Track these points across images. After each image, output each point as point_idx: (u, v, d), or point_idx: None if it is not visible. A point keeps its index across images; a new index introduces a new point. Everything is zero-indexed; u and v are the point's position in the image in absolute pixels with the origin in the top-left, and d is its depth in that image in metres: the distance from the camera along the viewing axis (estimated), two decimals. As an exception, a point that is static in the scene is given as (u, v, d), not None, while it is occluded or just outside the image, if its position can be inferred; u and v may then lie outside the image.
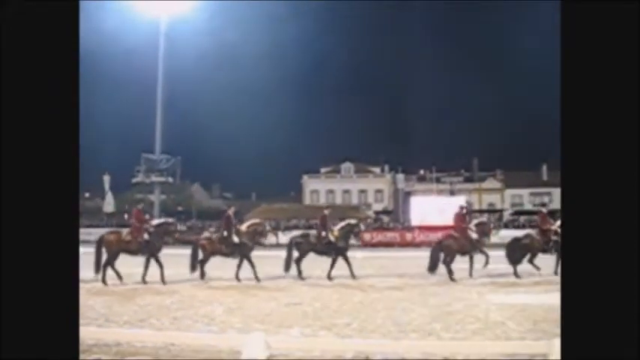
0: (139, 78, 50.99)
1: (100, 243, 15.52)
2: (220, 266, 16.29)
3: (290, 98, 78.06)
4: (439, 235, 18.88)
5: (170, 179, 50.99)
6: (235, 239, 16.09)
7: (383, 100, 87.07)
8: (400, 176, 64.08)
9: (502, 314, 9.90)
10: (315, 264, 16.78)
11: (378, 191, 68.09)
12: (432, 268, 16.08)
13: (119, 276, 15.15)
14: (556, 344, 5.75)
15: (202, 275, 15.85)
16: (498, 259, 17.03)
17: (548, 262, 16.83)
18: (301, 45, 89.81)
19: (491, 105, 79.43)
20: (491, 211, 59.60)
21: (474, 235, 16.58)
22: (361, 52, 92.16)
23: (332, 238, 16.57)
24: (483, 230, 17.00)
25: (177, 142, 53.27)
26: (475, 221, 17.81)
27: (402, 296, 12.43)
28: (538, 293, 12.80)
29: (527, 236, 17.59)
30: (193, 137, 64.45)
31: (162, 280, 15.00)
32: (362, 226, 18.11)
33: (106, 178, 53.81)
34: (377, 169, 69.50)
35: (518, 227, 42.09)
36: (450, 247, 16.36)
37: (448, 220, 18.07)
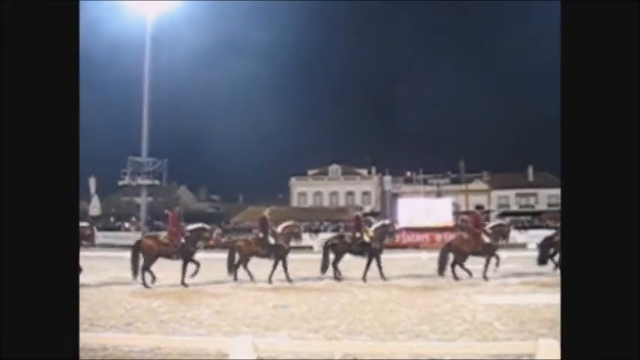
0: (125, 79, 50.69)
1: (137, 247, 15.71)
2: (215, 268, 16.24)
3: (277, 100, 77.96)
4: (426, 236, 18.98)
5: (157, 182, 50.73)
6: (271, 241, 16.30)
7: (370, 102, 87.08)
8: (387, 178, 64.18)
9: (489, 315, 9.96)
10: (300, 265, 16.75)
11: (366, 193, 68.12)
12: (441, 269, 16.26)
13: (153, 278, 15.23)
14: (542, 344, 5.80)
15: (235, 277, 16.03)
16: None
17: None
18: (289, 47, 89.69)
19: (478, 107, 79.79)
20: (481, 211, 59.90)
21: (487, 238, 16.59)
22: (348, 53, 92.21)
23: (367, 239, 16.75)
24: (501, 232, 17.06)
25: (164, 145, 52.92)
26: (492, 223, 17.86)
27: (390, 298, 12.45)
28: (525, 294, 12.89)
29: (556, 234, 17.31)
30: (180, 140, 64.17)
31: (183, 282, 15.13)
32: (396, 227, 18.14)
33: (92, 181, 53.36)
34: (364, 171, 69.55)
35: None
36: (459, 248, 16.47)
37: (435, 221, 18.21)
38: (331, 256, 16.74)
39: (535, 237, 36.74)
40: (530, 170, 66.24)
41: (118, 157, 49.73)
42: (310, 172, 69.96)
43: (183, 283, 15.11)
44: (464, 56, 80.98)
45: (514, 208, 63.66)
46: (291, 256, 16.60)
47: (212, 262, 16.97)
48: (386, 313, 10.41)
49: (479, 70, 71.79)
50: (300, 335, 8.53)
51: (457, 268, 16.13)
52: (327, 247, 17.00)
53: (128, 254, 16.08)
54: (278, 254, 16.22)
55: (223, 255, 16.75)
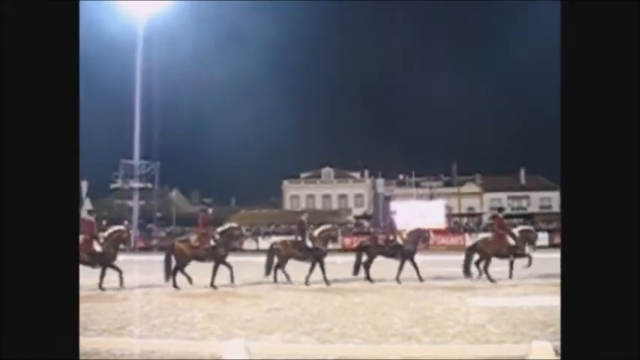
0: (117, 81, 50.53)
1: (170, 251, 15.87)
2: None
3: (270, 103, 77.92)
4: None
5: (149, 185, 50.69)
6: (309, 244, 16.49)
7: (362, 105, 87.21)
8: (380, 181, 64.24)
9: (482, 317, 9.97)
10: (296, 270, 16.73)
11: (358, 196, 68.16)
12: (467, 271, 16.64)
13: (190, 280, 15.27)
14: (534, 347, 5.82)
15: (275, 279, 16.25)
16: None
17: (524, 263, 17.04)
18: (282, 49, 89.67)
19: (471, 110, 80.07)
20: (471, 215, 60.09)
21: (512, 241, 16.89)
22: (341, 55, 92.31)
23: (400, 242, 16.92)
24: (527, 237, 17.39)
25: (156, 148, 52.75)
26: (520, 228, 18.03)
27: (382, 300, 12.45)
28: (517, 296, 12.91)
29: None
30: (172, 143, 63.97)
31: (212, 284, 15.24)
32: (430, 232, 18.45)
33: (84, 184, 53.22)
34: (357, 174, 69.59)
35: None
36: (483, 249, 16.90)
37: (428, 224, 18.38)
38: (363, 258, 16.92)
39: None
40: (522, 173, 66.57)
41: (110, 160, 49.64)
42: (303, 175, 69.95)
43: (212, 285, 15.23)
44: (457, 59, 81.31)
45: (507, 210, 63.83)
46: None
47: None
48: (379, 315, 10.41)
49: (472, 73, 72.03)
50: (294, 338, 8.51)
51: (486, 267, 16.57)
52: (360, 249, 17.25)
53: (120, 258, 16.02)
54: (315, 257, 16.44)
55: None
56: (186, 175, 71.10)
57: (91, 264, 15.26)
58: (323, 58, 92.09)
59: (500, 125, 73.51)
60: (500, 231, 17.36)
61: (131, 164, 49.60)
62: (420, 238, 17.46)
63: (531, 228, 18.30)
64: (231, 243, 16.55)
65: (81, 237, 14.08)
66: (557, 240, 41.77)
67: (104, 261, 15.40)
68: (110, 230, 16.20)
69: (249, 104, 75.16)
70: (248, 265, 17.22)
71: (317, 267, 16.37)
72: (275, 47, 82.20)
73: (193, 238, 16.47)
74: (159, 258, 16.74)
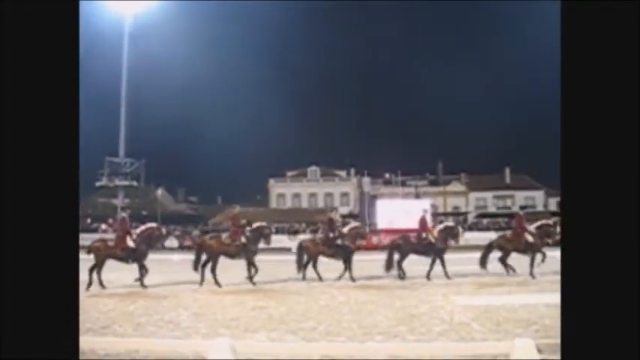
0: (103, 79, 50.15)
1: (200, 247, 16.12)
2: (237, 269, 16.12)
3: (256, 102, 77.85)
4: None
5: (134, 183, 50.40)
6: (338, 241, 16.71)
7: (349, 104, 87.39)
8: (366, 179, 64.41)
9: (466, 316, 10.03)
10: (280, 266, 16.73)
11: (344, 194, 68.31)
12: (483, 264, 17.32)
13: (217, 282, 15.32)
14: (517, 344, 5.87)
15: (304, 276, 16.45)
16: (462, 262, 17.31)
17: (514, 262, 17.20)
18: (269, 48, 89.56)
19: (457, 109, 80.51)
20: (456, 213, 60.40)
21: (530, 238, 17.23)
22: (327, 54, 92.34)
23: (432, 239, 17.05)
24: (547, 232, 17.70)
25: (142, 146, 52.52)
26: (538, 223, 18.19)
27: (368, 299, 12.48)
28: (501, 294, 13.01)
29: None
30: (158, 141, 63.74)
31: (251, 280, 15.58)
32: (460, 228, 18.74)
33: (68, 182, 52.76)
34: (343, 173, 69.71)
35: (482, 230, 42.73)
36: (503, 246, 17.45)
37: (414, 223, 18.41)
38: (395, 256, 17.05)
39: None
40: (507, 172, 67.07)
41: (95, 158, 49.19)
42: (289, 173, 69.93)
43: (251, 282, 15.49)
44: (444, 59, 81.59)
45: (491, 209, 64.43)
46: (268, 257, 16.59)
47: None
48: (364, 314, 10.44)
49: (459, 74, 72.33)
50: (279, 337, 8.52)
51: (504, 262, 17.15)
52: (392, 247, 17.38)
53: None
54: (344, 254, 16.62)
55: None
56: (172, 173, 70.77)
57: (125, 260, 15.59)
58: (310, 57, 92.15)
59: (485, 125, 73.99)
60: (518, 229, 17.73)
61: (116, 162, 49.26)
62: (450, 235, 17.58)
63: (550, 222, 18.43)
64: (261, 240, 16.60)
65: (115, 233, 14.01)
66: (542, 239, 42.12)
67: (136, 257, 15.50)
68: (142, 227, 16.26)
69: (236, 103, 74.97)
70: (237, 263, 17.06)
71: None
72: (263, 46, 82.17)
73: (224, 235, 16.80)
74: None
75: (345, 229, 17.36)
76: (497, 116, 72.48)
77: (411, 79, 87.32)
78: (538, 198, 65.45)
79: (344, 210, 64.33)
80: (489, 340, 7.94)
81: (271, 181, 69.12)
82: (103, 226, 48.37)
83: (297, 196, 68.31)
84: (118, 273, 15.91)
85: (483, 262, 17.30)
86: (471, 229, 44.80)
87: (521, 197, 65.01)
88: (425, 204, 28.86)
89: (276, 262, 16.48)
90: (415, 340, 8.17)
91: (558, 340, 6.97)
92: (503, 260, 17.29)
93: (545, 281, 15.23)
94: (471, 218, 60.21)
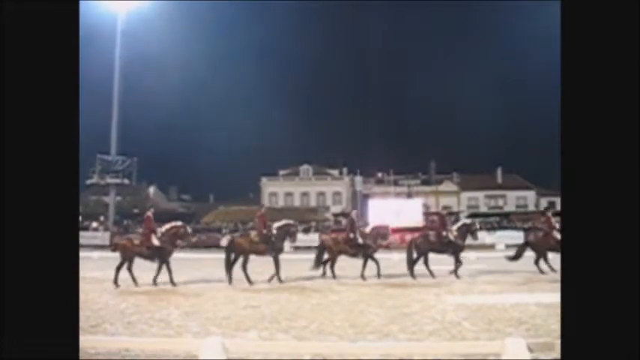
0: (95, 76, 49.92)
1: (230, 246, 16.34)
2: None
3: (249, 100, 77.75)
4: (396, 237, 19.22)
5: (126, 181, 50.18)
6: (360, 240, 16.81)
7: (342, 103, 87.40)
8: (358, 179, 64.42)
9: (458, 315, 10.06)
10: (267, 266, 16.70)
11: (337, 194, 68.33)
12: (517, 257, 17.81)
13: (249, 279, 15.48)
14: (508, 343, 5.89)
15: (324, 273, 16.66)
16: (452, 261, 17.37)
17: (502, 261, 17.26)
18: (261, 46, 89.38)
19: (449, 109, 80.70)
20: (448, 213, 60.48)
21: (558, 235, 17.23)
22: (319, 53, 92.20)
23: (452, 238, 17.17)
24: None
25: (134, 143, 52.35)
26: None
27: (360, 298, 12.49)
28: (492, 293, 13.05)
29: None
30: (150, 138, 63.54)
31: (279, 278, 15.77)
32: (478, 226, 18.83)
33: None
34: (335, 172, 69.74)
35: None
36: (536, 244, 17.74)
37: (405, 222, 18.53)
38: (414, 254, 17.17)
39: (503, 238, 37.37)
40: (499, 172, 67.31)
41: (86, 155, 48.95)
42: (281, 172, 69.89)
43: (279, 279, 15.68)
44: (437, 59, 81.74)
45: (483, 209, 64.64)
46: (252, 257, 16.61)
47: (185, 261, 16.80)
48: (356, 313, 10.44)
49: (451, 74, 72.57)
50: (270, 336, 8.51)
51: (539, 260, 17.32)
52: (411, 245, 17.43)
53: (95, 254, 15.92)
54: (365, 253, 16.77)
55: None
56: (165, 171, 70.58)
57: (150, 258, 15.65)
58: (303, 56, 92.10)
59: (477, 124, 74.18)
60: (546, 229, 17.95)
61: (108, 159, 49.05)
62: (468, 233, 17.70)
63: None
64: (288, 238, 16.75)
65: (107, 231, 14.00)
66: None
67: (161, 255, 15.53)
68: (168, 225, 16.26)
69: (228, 101, 74.71)
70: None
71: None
72: (255, 45, 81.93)
73: (253, 233, 16.90)
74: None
75: (367, 229, 17.53)
76: (489, 116, 72.63)
77: (404, 78, 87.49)
78: (529, 198, 65.73)
79: (336, 209, 64.37)
80: (481, 339, 7.97)
81: (264, 180, 69.03)
82: (94, 224, 48.16)
83: (289, 194, 68.27)
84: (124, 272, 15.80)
85: (518, 257, 17.80)
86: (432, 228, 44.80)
87: (512, 197, 65.35)
88: (417, 203, 28.96)
89: (268, 261, 16.41)
90: (407, 339, 8.18)
91: (549, 339, 7.01)
92: (537, 262, 17.38)
93: (536, 280, 15.33)
94: (462, 218, 60.38)
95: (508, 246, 28.80)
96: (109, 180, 49.20)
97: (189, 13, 56.60)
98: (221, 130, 74.55)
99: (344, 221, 56.98)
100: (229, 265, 15.84)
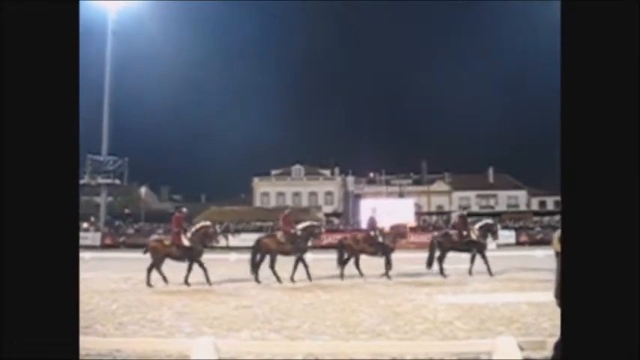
0: (86, 75, 49.73)
1: (257, 246, 16.40)
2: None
3: (240, 100, 77.65)
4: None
5: (117, 181, 50.03)
6: (379, 239, 17.07)
7: (333, 103, 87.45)
8: (350, 179, 64.56)
9: (450, 314, 10.09)
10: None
11: (328, 193, 68.37)
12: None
13: (278, 277, 15.72)
14: (499, 342, 5.92)
15: (342, 274, 16.59)
16: (446, 261, 17.42)
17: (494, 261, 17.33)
18: (252, 47, 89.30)
19: (441, 109, 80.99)
20: (440, 213, 60.74)
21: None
22: (310, 51, 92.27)
23: (474, 237, 17.36)
24: None
25: (125, 143, 52.18)
26: None
27: (352, 298, 12.50)
28: (484, 293, 13.10)
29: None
30: (142, 138, 63.34)
31: (309, 277, 15.93)
32: (499, 225, 18.98)
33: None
34: (327, 172, 69.79)
35: (465, 229, 42.88)
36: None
37: (397, 222, 18.67)
38: (437, 253, 17.35)
39: (495, 237, 37.45)
40: (491, 172, 67.61)
41: (77, 156, 48.71)
42: (273, 172, 69.86)
43: (291, 279, 15.77)
44: (430, 58, 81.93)
45: (475, 208, 64.84)
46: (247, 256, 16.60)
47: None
48: (348, 312, 10.45)
49: (443, 74, 72.79)
50: (262, 335, 8.50)
51: None
52: (433, 244, 17.60)
53: (87, 255, 15.87)
54: (384, 252, 16.97)
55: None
56: (156, 171, 70.37)
57: (181, 258, 15.69)
58: (294, 55, 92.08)
59: (469, 124, 74.51)
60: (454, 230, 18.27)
61: (99, 160, 48.87)
62: (489, 232, 17.90)
63: None
64: (311, 238, 16.99)
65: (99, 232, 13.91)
66: (524, 238, 42.51)
67: (192, 255, 15.58)
68: (197, 226, 16.43)
69: (219, 101, 74.68)
70: (222, 262, 17.06)
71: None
72: (247, 44, 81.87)
73: (279, 234, 17.04)
74: (129, 255, 16.55)
75: (387, 228, 17.69)
76: (481, 116, 72.96)
77: (396, 78, 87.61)
78: (521, 198, 66.10)
79: (328, 209, 64.46)
80: (472, 338, 8.00)
81: (255, 180, 68.98)
82: (85, 225, 47.96)
83: (281, 194, 68.25)
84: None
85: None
86: (454, 227, 44.96)
87: (504, 196, 65.67)
88: (409, 203, 29.03)
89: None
90: (399, 338, 8.20)
91: (539, 338, 7.05)
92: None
93: (527, 280, 15.40)
94: (454, 217, 60.52)
95: (499, 245, 28.90)
96: (100, 180, 49.04)
97: (180, 13, 56.50)
98: (213, 131, 74.47)
99: (336, 221, 57.45)
100: (255, 265, 16.01)
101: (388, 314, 10.19)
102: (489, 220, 19.08)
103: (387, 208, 40.80)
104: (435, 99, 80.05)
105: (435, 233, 19.90)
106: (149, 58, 57.61)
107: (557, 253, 5.74)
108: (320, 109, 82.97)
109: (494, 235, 18.27)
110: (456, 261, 17.92)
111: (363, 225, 44.43)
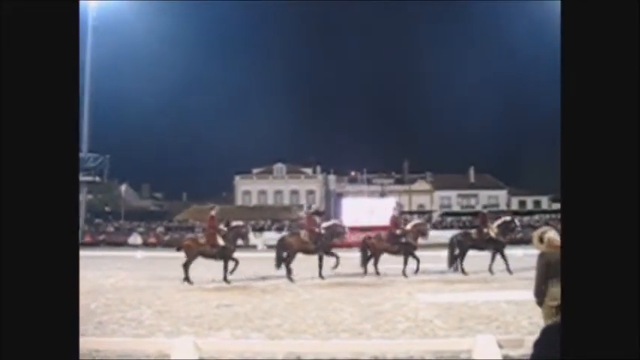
0: (65, 73, 49.18)
1: (281, 244, 16.79)
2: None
3: (222, 97, 77.28)
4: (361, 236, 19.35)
5: (97, 178, 49.49)
6: (402, 238, 17.21)
7: (314, 102, 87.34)
8: (332, 177, 64.58)
9: (430, 313, 10.16)
10: (244, 264, 16.66)
11: (310, 192, 68.34)
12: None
13: (290, 274, 15.96)
14: (479, 340, 5.97)
15: (365, 272, 16.91)
16: (428, 259, 17.53)
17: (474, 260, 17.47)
18: (234, 43, 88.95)
19: (422, 108, 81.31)
20: (421, 212, 61.05)
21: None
22: (291, 51, 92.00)
23: (493, 235, 17.39)
24: None
25: (106, 140, 51.60)
26: None
27: (333, 296, 12.52)
28: (464, 292, 13.20)
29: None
30: (122, 135, 62.66)
31: (320, 274, 16.32)
32: (517, 223, 18.88)
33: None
34: (309, 170, 69.74)
35: (446, 228, 43.25)
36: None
37: (378, 221, 18.88)
38: (456, 251, 17.48)
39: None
40: (472, 172, 68.07)
41: (56, 153, 48.21)
42: (255, 170, 69.63)
43: (320, 276, 16.17)
44: (413, 57, 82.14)
45: (456, 208, 65.32)
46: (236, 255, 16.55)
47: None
48: (329, 312, 10.47)
49: (425, 74, 73.03)
50: (244, 334, 8.49)
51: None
52: (453, 242, 17.67)
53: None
54: (407, 250, 17.13)
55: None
56: (137, 168, 69.69)
57: (214, 257, 15.95)
58: (275, 54, 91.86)
59: (450, 124, 74.95)
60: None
61: (79, 157, 48.34)
62: (508, 230, 17.92)
63: None
64: (335, 238, 17.29)
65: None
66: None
67: (225, 254, 15.77)
68: (231, 225, 16.64)
69: (201, 99, 74.22)
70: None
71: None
72: (227, 43, 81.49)
73: (302, 233, 17.34)
74: (109, 254, 16.42)
75: (409, 226, 17.81)
76: (462, 116, 73.42)
77: (378, 78, 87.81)
78: (501, 197, 66.63)
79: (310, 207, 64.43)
80: (452, 336, 8.06)
81: (237, 178, 68.70)
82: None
83: (262, 193, 68.07)
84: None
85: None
86: (435, 227, 45.25)
87: (484, 196, 66.11)
88: (391, 201, 29.10)
89: (242, 259, 16.38)
90: (380, 337, 8.23)
91: (518, 336, 7.13)
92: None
93: (507, 278, 15.55)
94: (435, 217, 60.88)
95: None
96: (81, 178, 48.48)
97: (161, 8, 55.91)
98: (194, 129, 74.08)
99: (318, 219, 57.27)
100: (280, 263, 16.26)
101: (369, 313, 10.22)
102: (507, 218, 18.87)
103: (369, 207, 40.92)
104: (417, 99, 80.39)
105: (455, 232, 19.97)
106: (130, 54, 57.04)
107: (541, 254, 5.79)
108: (301, 108, 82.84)
109: (514, 233, 18.43)
110: (441, 261, 18.03)
111: (345, 223, 44.75)
